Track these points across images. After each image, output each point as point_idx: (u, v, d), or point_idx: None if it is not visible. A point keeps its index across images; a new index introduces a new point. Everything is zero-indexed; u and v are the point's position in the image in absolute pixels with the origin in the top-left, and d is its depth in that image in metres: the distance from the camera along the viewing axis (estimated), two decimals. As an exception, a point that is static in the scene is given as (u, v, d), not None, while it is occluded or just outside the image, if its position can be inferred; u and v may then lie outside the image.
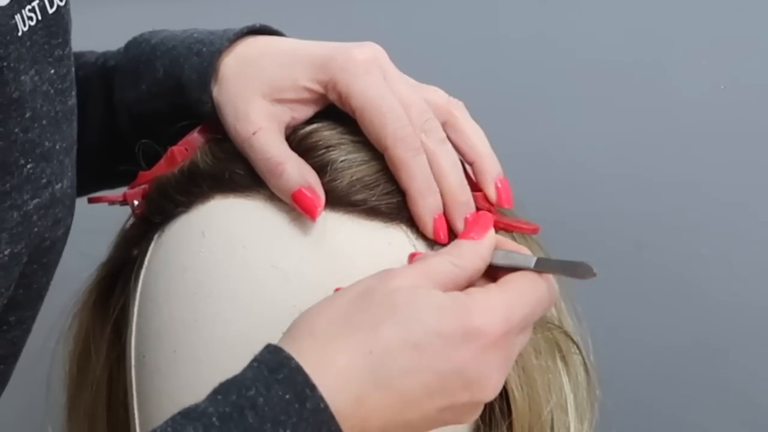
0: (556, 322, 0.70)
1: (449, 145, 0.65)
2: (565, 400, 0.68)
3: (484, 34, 0.97)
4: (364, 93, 0.64)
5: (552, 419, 0.67)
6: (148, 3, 1.06)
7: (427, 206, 0.64)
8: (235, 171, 0.66)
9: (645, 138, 0.93)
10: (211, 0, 1.03)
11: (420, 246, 0.65)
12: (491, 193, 0.66)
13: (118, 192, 0.73)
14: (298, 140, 0.67)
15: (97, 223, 0.70)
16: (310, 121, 0.68)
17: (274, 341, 0.61)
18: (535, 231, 0.68)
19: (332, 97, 0.65)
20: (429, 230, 0.64)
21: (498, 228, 0.67)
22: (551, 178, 0.94)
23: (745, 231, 0.90)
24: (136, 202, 0.70)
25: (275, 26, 0.72)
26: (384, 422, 0.53)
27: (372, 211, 0.65)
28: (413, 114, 0.64)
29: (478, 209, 0.66)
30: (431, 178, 0.64)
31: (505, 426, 0.66)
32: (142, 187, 0.71)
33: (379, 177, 0.65)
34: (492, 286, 0.57)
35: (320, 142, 0.66)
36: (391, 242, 0.65)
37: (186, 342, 0.65)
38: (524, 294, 0.57)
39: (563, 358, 0.69)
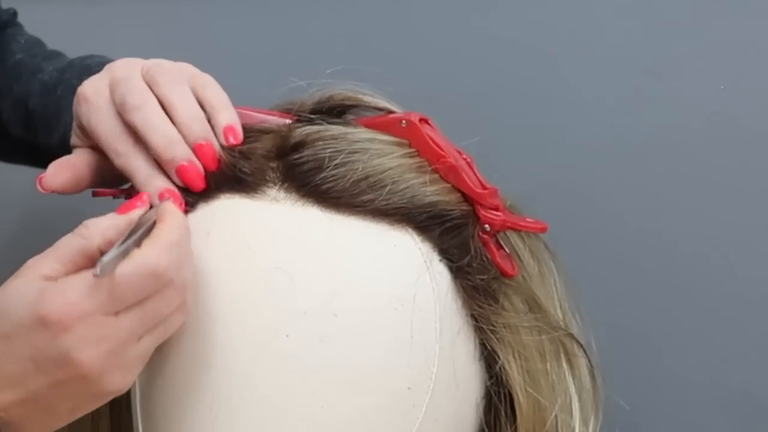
0: (561, 324, 0.70)
1: (142, 111, 0.66)
2: (569, 403, 0.69)
3: (487, 32, 0.97)
4: (87, 122, 0.68)
5: (557, 423, 0.67)
6: (151, 3, 1.06)
7: (150, 191, 0.66)
8: (242, 170, 0.66)
9: (644, 138, 0.92)
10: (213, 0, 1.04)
11: (425, 249, 0.65)
12: (221, 140, 0.68)
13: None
14: (296, 139, 0.67)
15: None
16: (309, 121, 0.69)
17: (278, 343, 0.62)
18: (543, 230, 0.69)
19: None
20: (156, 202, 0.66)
21: (505, 228, 0.67)
22: (549, 177, 0.94)
23: (745, 231, 0.90)
24: None
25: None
26: (11, 398, 0.58)
27: (378, 213, 0.65)
28: (117, 98, 0.67)
29: (479, 203, 0.66)
30: (145, 164, 0.67)
31: (511, 430, 0.67)
32: None
33: (384, 177, 0.65)
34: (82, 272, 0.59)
35: (319, 141, 0.66)
36: (396, 244, 0.65)
37: (189, 342, 0.64)
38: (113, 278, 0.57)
39: (568, 361, 0.69)
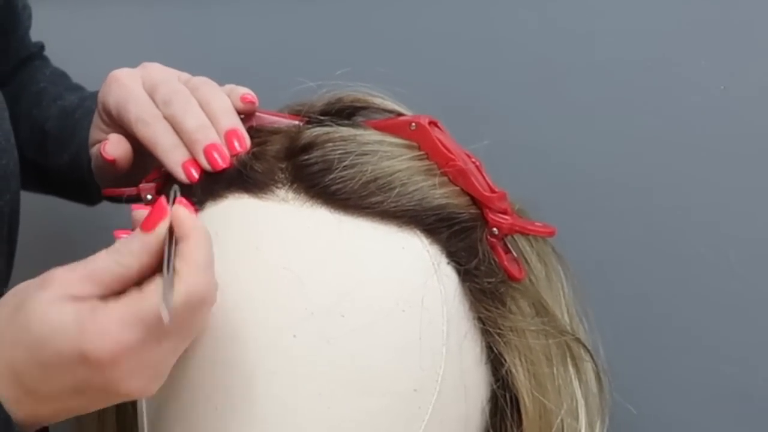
0: (568, 328, 0.70)
1: (186, 104, 0.69)
2: (576, 407, 0.69)
3: (496, 36, 0.97)
4: (116, 100, 0.71)
5: (563, 427, 0.67)
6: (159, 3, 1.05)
7: (173, 159, 0.68)
8: (252, 170, 0.66)
9: (645, 138, 0.92)
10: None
11: (433, 252, 0.65)
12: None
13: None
14: (305, 140, 0.67)
15: (111, 220, 0.69)
16: (319, 122, 0.69)
17: (285, 343, 0.62)
18: (551, 234, 0.69)
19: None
20: (183, 177, 0.67)
21: (513, 231, 0.67)
22: (557, 181, 0.94)
23: (745, 231, 0.90)
24: (149, 197, 0.70)
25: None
26: (48, 412, 0.59)
27: (386, 215, 0.65)
28: (158, 94, 0.70)
29: (487, 207, 0.67)
30: (172, 135, 0.68)
31: (517, 434, 0.67)
32: (157, 181, 0.70)
33: (393, 179, 0.65)
34: (118, 298, 0.57)
35: (329, 143, 0.66)
36: (404, 246, 0.65)
37: (196, 341, 0.64)
38: (142, 305, 0.56)
39: (575, 365, 0.70)
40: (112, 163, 0.71)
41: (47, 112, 0.86)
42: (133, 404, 0.71)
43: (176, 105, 0.69)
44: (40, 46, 0.97)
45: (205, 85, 0.71)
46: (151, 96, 0.70)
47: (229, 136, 0.68)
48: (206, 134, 0.68)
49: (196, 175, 0.67)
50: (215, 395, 0.64)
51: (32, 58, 0.96)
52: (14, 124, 0.79)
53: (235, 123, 0.69)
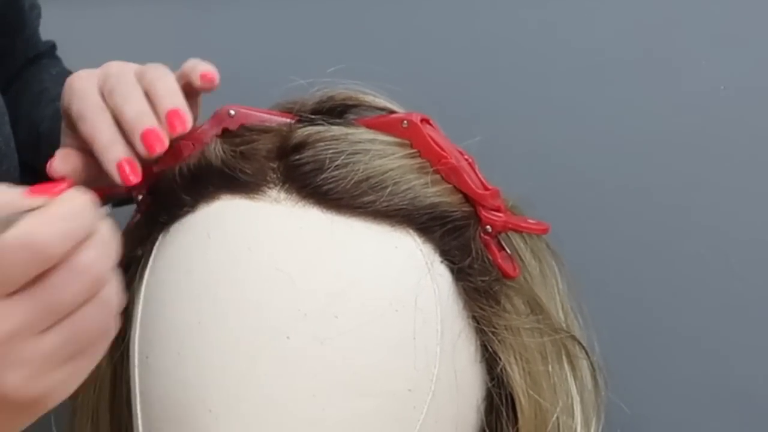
0: (563, 326, 0.70)
1: (128, 92, 0.67)
2: (571, 405, 0.69)
3: (488, 33, 0.97)
4: (67, 100, 0.69)
5: (558, 425, 0.67)
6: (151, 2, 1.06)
7: (107, 158, 0.65)
8: (243, 171, 0.66)
9: (644, 138, 0.92)
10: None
11: (427, 251, 0.65)
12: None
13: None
14: (297, 139, 0.67)
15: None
16: (310, 121, 0.68)
17: (279, 344, 0.62)
18: (545, 231, 0.69)
19: None
20: (118, 179, 0.65)
21: (507, 229, 0.67)
22: (551, 178, 0.94)
23: (745, 231, 0.90)
24: (140, 197, 0.70)
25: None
26: None
27: (379, 214, 0.64)
28: (105, 87, 0.68)
29: (480, 204, 0.66)
30: (111, 131, 0.66)
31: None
32: (147, 180, 0.70)
33: (385, 178, 0.65)
34: None
35: (320, 142, 0.66)
36: (397, 246, 0.65)
37: (190, 344, 0.64)
38: None
39: (570, 362, 0.69)
40: (62, 180, 0.67)
41: (43, 112, 0.85)
42: (128, 407, 0.70)
43: (117, 95, 0.67)
44: (51, 45, 0.96)
45: (152, 69, 0.69)
46: (102, 91, 0.68)
47: (169, 117, 0.65)
48: (143, 121, 0.65)
49: (131, 176, 0.65)
50: (209, 397, 0.63)
51: (40, 56, 0.94)
52: (14, 126, 0.78)
53: (177, 103, 0.66)
